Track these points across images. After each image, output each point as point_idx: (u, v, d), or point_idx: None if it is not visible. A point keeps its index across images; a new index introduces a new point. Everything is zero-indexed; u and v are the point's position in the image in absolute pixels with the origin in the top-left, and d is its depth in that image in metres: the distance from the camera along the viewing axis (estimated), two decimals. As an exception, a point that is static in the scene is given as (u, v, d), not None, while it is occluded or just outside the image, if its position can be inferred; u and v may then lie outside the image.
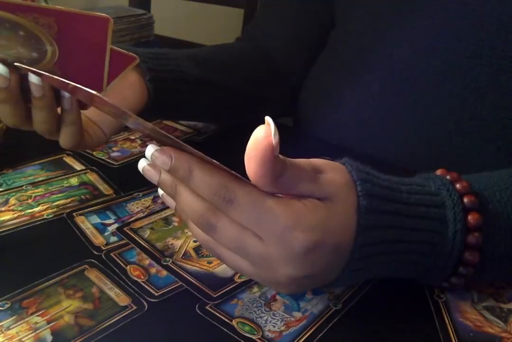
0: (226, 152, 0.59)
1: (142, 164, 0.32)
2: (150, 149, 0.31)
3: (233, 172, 0.29)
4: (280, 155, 0.28)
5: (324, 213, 0.29)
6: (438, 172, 0.35)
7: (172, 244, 0.41)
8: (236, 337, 0.32)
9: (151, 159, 0.31)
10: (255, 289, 0.36)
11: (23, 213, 0.44)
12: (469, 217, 0.32)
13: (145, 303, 0.34)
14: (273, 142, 0.27)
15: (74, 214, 0.44)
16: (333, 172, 0.31)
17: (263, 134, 0.27)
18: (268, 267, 0.30)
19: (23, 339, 0.31)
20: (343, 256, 0.30)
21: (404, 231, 0.31)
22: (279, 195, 0.30)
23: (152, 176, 0.32)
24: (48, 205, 0.45)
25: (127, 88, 0.48)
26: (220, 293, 0.35)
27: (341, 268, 0.31)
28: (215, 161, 0.29)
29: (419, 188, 0.33)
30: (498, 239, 0.33)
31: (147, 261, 0.39)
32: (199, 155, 0.29)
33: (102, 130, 0.45)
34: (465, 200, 0.33)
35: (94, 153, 0.55)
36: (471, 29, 0.50)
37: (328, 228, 0.29)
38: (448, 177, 0.34)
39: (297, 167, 0.29)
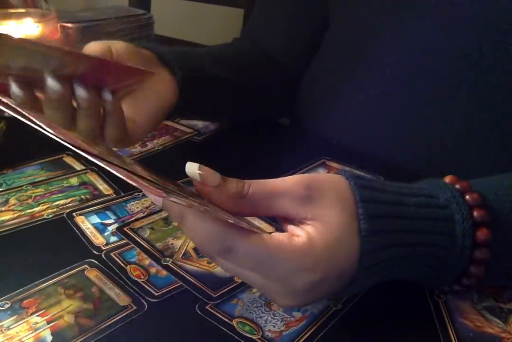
0: (226, 152, 0.59)
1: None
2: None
3: (224, 213, 0.28)
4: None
5: (326, 245, 0.29)
6: (447, 179, 0.34)
7: (172, 244, 0.41)
8: (236, 337, 0.32)
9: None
10: (255, 289, 0.36)
11: (23, 213, 0.44)
12: (478, 233, 0.31)
13: (145, 303, 0.34)
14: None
15: (74, 214, 0.44)
16: (331, 197, 0.30)
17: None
18: (267, 295, 0.32)
19: (23, 339, 0.31)
20: (346, 278, 0.30)
21: (410, 247, 0.31)
22: (279, 232, 0.30)
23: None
24: (48, 205, 0.45)
25: (160, 86, 0.48)
26: (220, 293, 0.35)
27: (344, 287, 0.31)
28: (202, 205, 0.28)
29: (428, 200, 0.32)
30: (505, 254, 0.33)
31: (147, 261, 0.39)
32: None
33: (138, 127, 0.46)
34: (475, 213, 0.32)
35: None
36: (461, 30, 0.50)
37: (331, 262, 0.29)
38: (457, 186, 0.33)
39: (268, 185, 0.30)
